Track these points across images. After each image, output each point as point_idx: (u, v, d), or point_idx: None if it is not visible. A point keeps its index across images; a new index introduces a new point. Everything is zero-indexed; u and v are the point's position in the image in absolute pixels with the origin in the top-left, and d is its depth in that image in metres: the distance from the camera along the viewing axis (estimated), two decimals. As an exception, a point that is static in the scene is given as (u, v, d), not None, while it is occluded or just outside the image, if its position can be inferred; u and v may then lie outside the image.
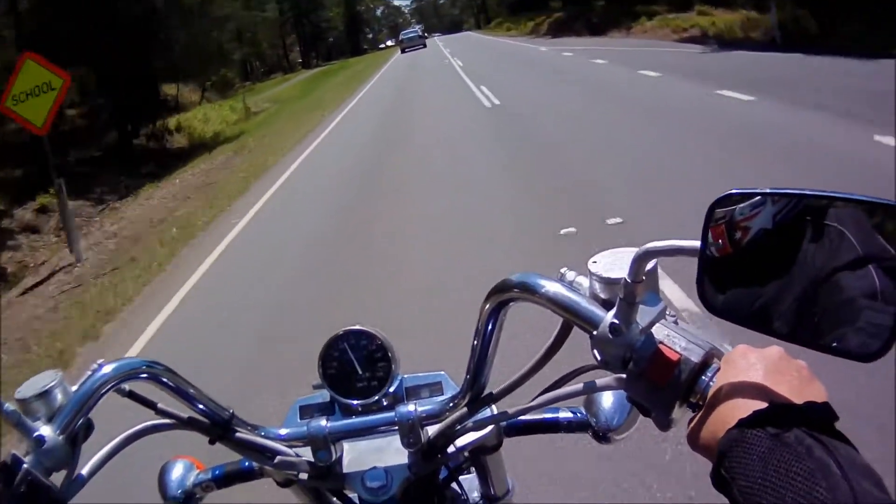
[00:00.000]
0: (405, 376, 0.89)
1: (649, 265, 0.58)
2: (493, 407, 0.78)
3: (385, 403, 0.86)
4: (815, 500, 0.43)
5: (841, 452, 0.45)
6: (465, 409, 0.77)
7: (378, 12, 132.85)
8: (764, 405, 0.49)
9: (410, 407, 0.79)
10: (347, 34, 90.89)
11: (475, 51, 29.66)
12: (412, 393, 0.89)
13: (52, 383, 0.68)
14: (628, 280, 0.58)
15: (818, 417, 0.48)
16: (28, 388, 0.68)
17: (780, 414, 0.48)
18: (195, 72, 25.37)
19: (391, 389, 0.86)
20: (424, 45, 50.95)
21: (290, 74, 60.05)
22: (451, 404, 0.78)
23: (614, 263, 0.64)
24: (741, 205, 0.57)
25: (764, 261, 0.58)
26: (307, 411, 0.89)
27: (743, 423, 0.48)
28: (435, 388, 0.89)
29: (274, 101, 25.85)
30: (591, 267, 0.65)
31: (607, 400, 0.86)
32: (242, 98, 24.89)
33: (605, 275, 0.64)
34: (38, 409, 0.67)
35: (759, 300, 0.57)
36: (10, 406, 0.64)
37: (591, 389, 0.66)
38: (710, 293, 0.59)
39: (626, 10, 23.78)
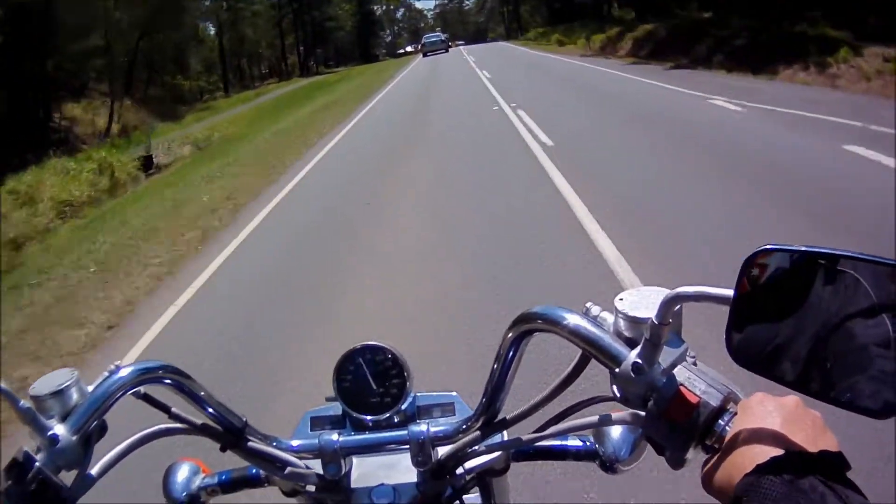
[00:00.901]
0: (418, 394, 0.91)
1: (676, 308, 0.59)
2: (506, 433, 0.79)
3: (397, 420, 0.88)
4: None
5: (853, 502, 0.47)
6: (477, 432, 0.78)
7: (399, 14, 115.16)
8: (780, 452, 0.52)
9: (423, 427, 0.81)
10: (357, 36, 76.10)
11: (533, 80, 20.21)
12: (424, 411, 0.91)
13: (68, 382, 0.70)
14: (655, 322, 0.60)
15: (832, 466, 0.51)
16: (43, 386, 0.69)
17: (795, 461, 0.51)
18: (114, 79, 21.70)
19: (404, 407, 0.88)
20: (447, 50, 51.48)
21: (283, 82, 55.09)
22: (464, 426, 0.80)
23: (640, 302, 0.66)
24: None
25: (779, 301, 0.59)
26: (318, 423, 0.92)
27: (759, 469, 0.51)
28: (447, 408, 0.92)
29: (200, 144, 18.72)
30: (618, 304, 0.67)
31: (616, 431, 0.86)
32: (147, 138, 17.77)
33: (631, 313, 0.66)
34: (52, 406, 0.68)
35: (775, 344, 0.59)
36: (25, 403, 0.65)
37: (606, 422, 0.68)
38: (737, 343, 0.60)
39: (787, 34, 14.88)
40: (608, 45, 25.43)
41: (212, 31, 50.47)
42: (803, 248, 0.57)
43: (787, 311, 0.58)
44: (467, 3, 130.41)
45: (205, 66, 49.62)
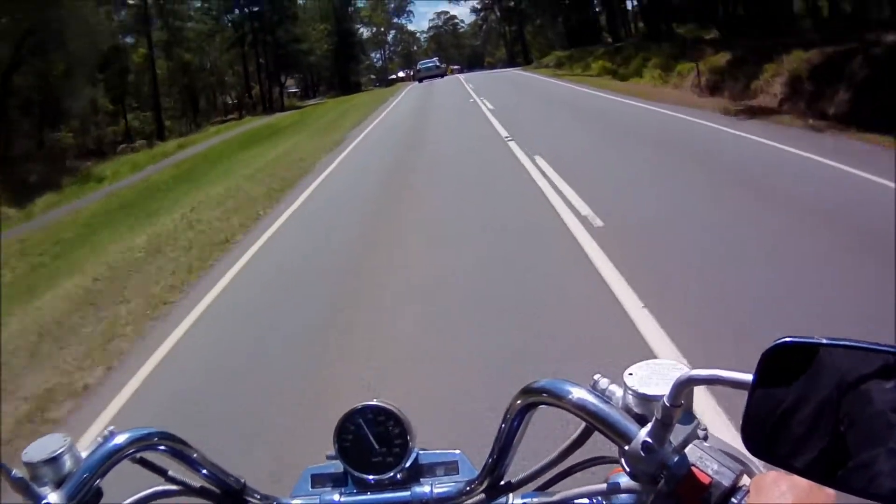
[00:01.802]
0: (421, 452, 0.91)
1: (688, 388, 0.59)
2: (511, 496, 0.79)
3: (399, 478, 0.88)
4: None
5: None
6: (482, 494, 0.79)
7: (389, 37, 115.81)
8: None
9: (426, 487, 0.82)
10: (335, 62, 62.97)
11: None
12: (427, 470, 0.90)
13: (62, 448, 0.70)
14: (667, 404, 0.59)
15: None
16: (35, 452, 0.69)
17: None
18: None
19: (406, 465, 0.88)
20: (442, 77, 50.27)
21: (239, 120, 45.32)
22: (468, 488, 0.80)
23: (650, 377, 0.66)
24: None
25: (788, 390, 0.58)
26: (319, 481, 0.91)
27: None
28: (450, 466, 0.91)
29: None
30: (627, 380, 0.67)
31: (624, 495, 0.81)
32: None
33: (641, 390, 0.65)
34: (45, 474, 0.68)
35: (787, 432, 0.58)
36: (17, 472, 0.66)
37: (614, 491, 0.69)
38: (754, 434, 0.59)
39: None
40: (719, 84, 14.01)
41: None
42: (824, 341, 0.54)
43: (802, 404, 0.56)
44: (462, 25, 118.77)
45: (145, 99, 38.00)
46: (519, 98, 21.45)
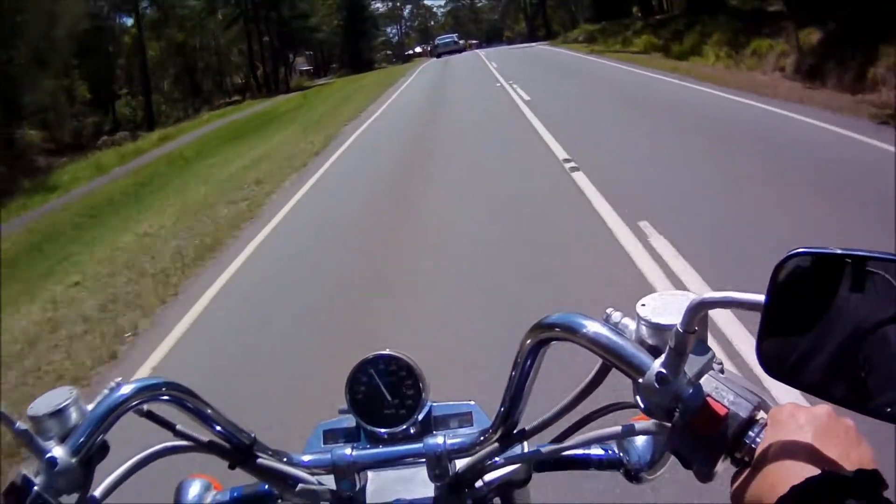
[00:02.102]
0: (434, 404, 0.91)
1: (701, 314, 0.59)
2: (525, 444, 0.78)
3: (413, 432, 0.88)
4: None
5: None
6: (496, 444, 0.77)
7: (406, 12, 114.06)
8: (813, 471, 0.51)
9: (439, 439, 0.79)
10: (344, 39, 58.35)
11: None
12: (440, 422, 0.91)
13: (67, 401, 0.70)
14: (680, 330, 0.59)
15: (869, 487, 0.50)
16: (41, 406, 0.69)
17: (829, 483, 0.50)
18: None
19: (419, 417, 0.88)
20: (461, 52, 49.08)
21: (243, 103, 40.98)
22: (481, 438, 0.78)
23: (664, 308, 0.65)
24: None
25: (809, 308, 0.57)
26: (331, 436, 0.92)
27: (792, 494, 0.50)
28: (464, 418, 0.91)
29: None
30: (640, 310, 0.66)
31: (640, 438, 0.84)
32: None
33: (654, 320, 0.65)
34: (50, 427, 0.68)
35: (805, 353, 0.58)
36: (21, 424, 0.65)
37: (629, 433, 0.69)
38: (767, 353, 0.59)
39: None
40: (820, 69, 9.98)
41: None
42: (837, 251, 0.55)
43: (816, 319, 0.56)
44: None
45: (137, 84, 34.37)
46: (560, 83, 16.95)
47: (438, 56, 47.97)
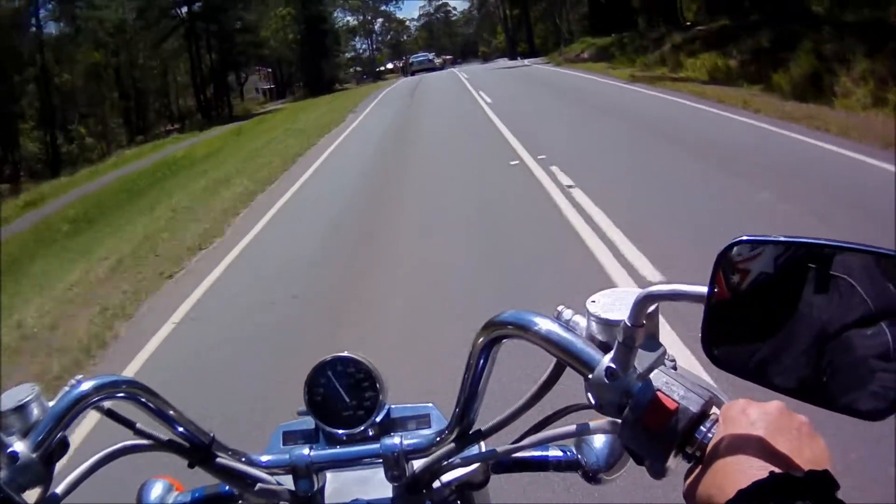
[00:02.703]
0: (392, 406, 0.95)
1: (650, 308, 0.62)
2: (482, 444, 0.83)
3: (371, 433, 0.92)
4: None
5: None
6: (452, 444, 0.80)
7: (377, 26, 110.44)
8: (764, 468, 0.52)
9: (396, 440, 0.83)
10: (302, 55, 49.70)
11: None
12: (399, 424, 0.94)
13: (29, 397, 0.74)
14: (628, 324, 0.61)
15: (820, 488, 0.50)
16: (3, 401, 0.73)
17: (780, 485, 0.50)
18: None
19: (377, 419, 0.92)
20: (436, 70, 51.22)
21: (148, 146, 32.72)
22: (437, 438, 0.83)
23: (613, 304, 0.68)
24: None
25: (765, 309, 0.59)
26: (291, 437, 0.95)
27: (742, 495, 0.50)
28: (422, 420, 0.94)
29: None
30: (590, 307, 0.69)
31: (598, 439, 0.88)
32: None
33: (604, 316, 0.67)
34: (12, 423, 0.72)
35: (761, 353, 0.59)
36: None
37: (583, 432, 0.72)
38: (715, 343, 0.60)
39: None
40: None
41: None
42: (782, 239, 0.57)
43: (775, 314, 0.58)
44: (454, 13, 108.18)
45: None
46: (646, 159, 8.74)
47: (412, 74, 49.78)
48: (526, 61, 43.08)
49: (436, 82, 34.74)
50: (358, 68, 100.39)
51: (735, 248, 0.58)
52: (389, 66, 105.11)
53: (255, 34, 47.72)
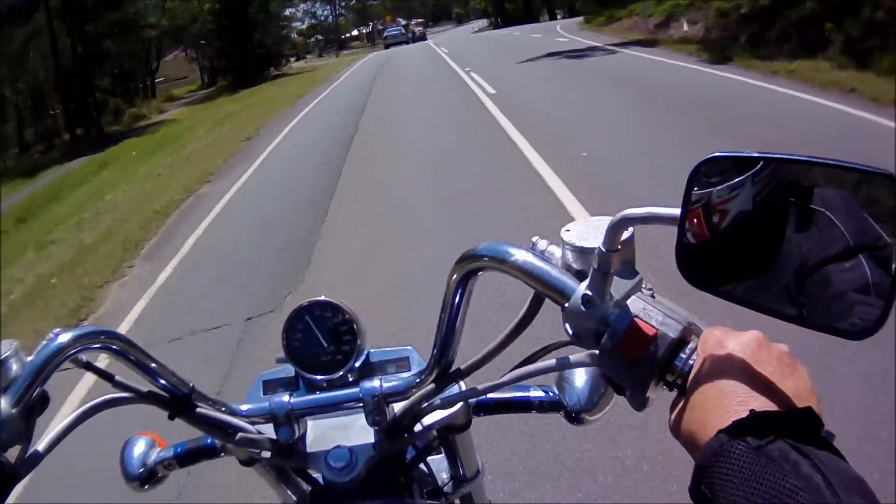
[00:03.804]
0: (371, 351, 0.96)
1: (625, 234, 0.63)
2: (462, 384, 0.84)
3: (350, 379, 0.93)
4: None
5: (829, 467, 0.47)
6: (431, 385, 0.81)
7: None
8: (744, 406, 0.52)
9: (375, 383, 0.84)
10: (219, 31, 35.60)
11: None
12: (378, 368, 0.95)
13: (7, 353, 0.74)
14: (603, 249, 0.62)
15: (803, 425, 0.50)
16: None
17: (761, 422, 0.50)
18: None
19: (356, 364, 0.93)
20: (408, 42, 50.35)
21: None
22: (417, 380, 0.84)
23: (588, 232, 0.68)
24: (718, 187, 0.59)
25: (745, 247, 0.60)
26: (271, 387, 0.95)
27: (722, 434, 0.51)
28: (402, 363, 0.94)
29: None
30: (564, 235, 0.70)
31: (580, 379, 0.90)
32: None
33: (579, 243, 0.68)
34: None
35: (742, 286, 0.61)
36: None
37: (563, 366, 0.71)
38: (691, 263, 0.61)
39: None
40: None
41: None
42: (754, 154, 0.57)
43: (756, 252, 0.59)
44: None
45: None
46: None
47: (387, 47, 48.22)
48: (519, 28, 34.93)
49: (414, 61, 27.61)
50: (319, 37, 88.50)
51: (715, 191, 0.58)
52: (354, 32, 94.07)
53: (126, 8, 33.02)
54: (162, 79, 50.06)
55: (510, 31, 37.06)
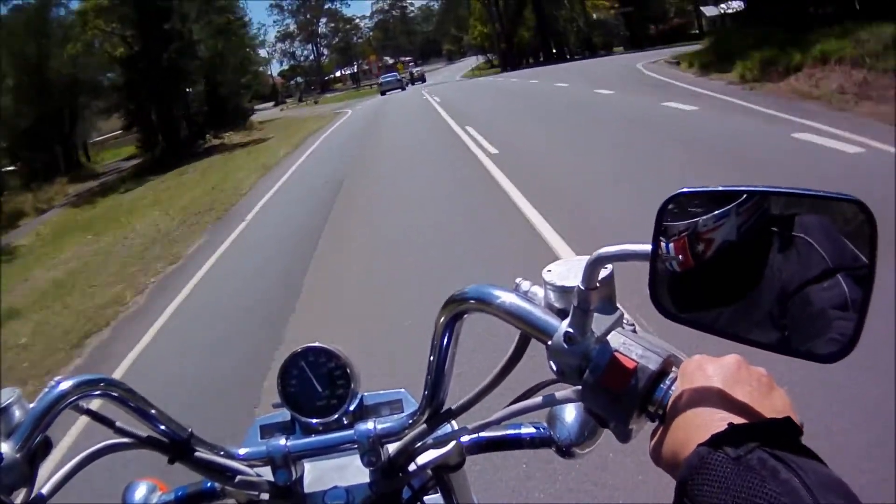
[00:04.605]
0: (365, 394, 1.00)
1: (604, 272, 0.66)
2: (454, 423, 0.87)
3: (346, 422, 0.96)
4: None
5: (808, 472, 0.47)
6: (424, 425, 0.84)
7: (320, 26, 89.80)
8: (723, 422, 0.53)
9: (369, 425, 0.87)
10: (129, 86, 24.34)
11: None
12: (372, 411, 0.98)
13: (10, 400, 0.77)
14: (582, 287, 0.65)
15: (781, 434, 0.51)
16: None
17: (740, 434, 0.51)
18: None
19: (351, 408, 0.96)
20: (403, 89, 50.58)
21: None
22: (410, 421, 0.87)
23: (569, 272, 0.71)
24: (704, 217, 0.62)
25: (729, 274, 0.62)
26: (268, 431, 0.98)
27: (702, 447, 0.52)
28: (395, 405, 0.98)
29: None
30: (545, 276, 0.72)
31: (570, 414, 0.92)
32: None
33: (560, 283, 0.70)
34: None
35: (723, 312, 0.63)
36: None
37: (550, 402, 0.74)
38: (664, 296, 0.63)
39: None
40: None
41: None
42: (720, 188, 0.60)
43: (740, 279, 0.62)
44: (412, 9, 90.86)
45: None
46: None
47: (383, 94, 49.38)
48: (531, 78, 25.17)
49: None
50: (298, 80, 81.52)
51: (701, 220, 0.60)
52: (338, 74, 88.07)
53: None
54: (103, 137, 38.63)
55: (526, 80, 29.14)
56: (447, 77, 62.38)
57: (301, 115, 41.63)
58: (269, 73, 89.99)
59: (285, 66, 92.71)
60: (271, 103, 72.97)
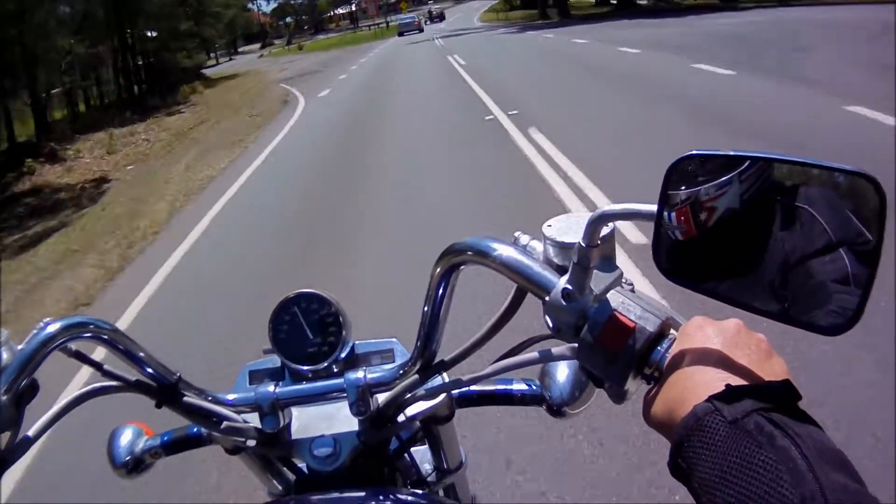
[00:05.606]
0: (356, 342, 1.00)
1: (605, 230, 0.66)
2: (445, 375, 0.87)
3: (335, 370, 0.96)
4: (779, 495, 0.44)
5: (805, 439, 0.48)
6: (415, 376, 0.85)
7: None
8: (721, 383, 0.54)
9: (359, 373, 0.88)
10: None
11: None
12: (363, 359, 0.99)
13: None
14: (583, 244, 0.65)
15: (779, 398, 0.51)
16: None
17: (738, 394, 0.51)
18: None
19: (342, 356, 0.97)
20: (421, 30, 49.13)
21: None
22: (401, 371, 0.88)
23: (569, 228, 0.71)
24: (706, 185, 0.62)
25: (731, 243, 0.63)
26: (257, 377, 0.98)
27: (699, 408, 0.52)
28: (386, 354, 0.98)
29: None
30: (546, 231, 0.72)
31: (563, 373, 0.93)
32: None
33: (560, 238, 0.70)
34: None
35: (724, 278, 0.64)
36: None
37: (545, 358, 0.75)
38: (666, 258, 0.64)
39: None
40: None
41: None
42: (731, 153, 0.60)
43: (741, 249, 0.62)
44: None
45: None
46: None
47: (400, 35, 47.12)
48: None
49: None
50: (289, 20, 72.17)
51: (703, 189, 0.60)
52: (340, 11, 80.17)
53: None
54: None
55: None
56: (463, 22, 54.72)
57: (261, 75, 30.30)
58: (258, 9, 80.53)
59: (275, 4, 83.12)
60: (258, 44, 64.00)
